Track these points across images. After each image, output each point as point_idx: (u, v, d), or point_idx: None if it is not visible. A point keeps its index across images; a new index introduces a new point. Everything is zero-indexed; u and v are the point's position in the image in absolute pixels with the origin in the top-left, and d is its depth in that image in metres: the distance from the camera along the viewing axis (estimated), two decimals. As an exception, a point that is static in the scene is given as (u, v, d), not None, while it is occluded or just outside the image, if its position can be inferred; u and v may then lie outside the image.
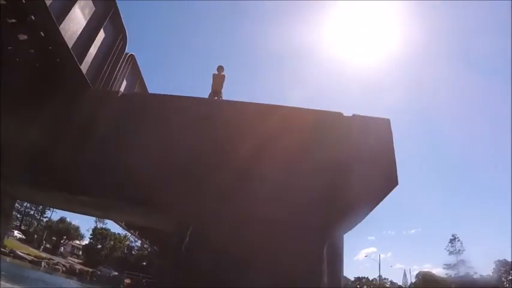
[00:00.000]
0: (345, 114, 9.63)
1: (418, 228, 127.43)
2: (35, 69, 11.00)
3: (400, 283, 78.34)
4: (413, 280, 73.23)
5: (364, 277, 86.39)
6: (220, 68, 12.25)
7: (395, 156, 8.98)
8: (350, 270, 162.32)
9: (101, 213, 18.82)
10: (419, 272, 73.47)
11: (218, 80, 12.04)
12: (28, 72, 11.04)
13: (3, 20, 9.93)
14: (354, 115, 9.59)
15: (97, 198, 10.54)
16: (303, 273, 7.73)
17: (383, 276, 77.05)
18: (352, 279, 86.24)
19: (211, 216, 8.54)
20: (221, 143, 9.37)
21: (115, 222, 23.60)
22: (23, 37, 10.47)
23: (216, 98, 11.72)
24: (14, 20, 9.98)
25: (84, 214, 28.68)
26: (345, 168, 8.71)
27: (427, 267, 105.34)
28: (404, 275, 78.27)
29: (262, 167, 8.87)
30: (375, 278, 74.66)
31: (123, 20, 12.29)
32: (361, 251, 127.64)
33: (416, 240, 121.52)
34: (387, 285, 77.80)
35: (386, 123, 9.42)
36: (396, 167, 8.87)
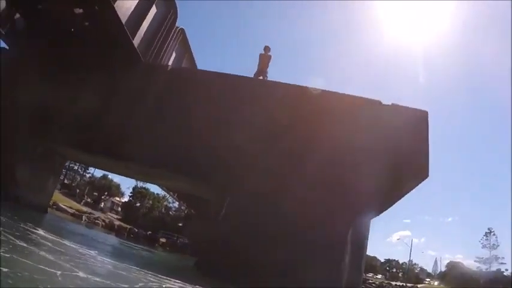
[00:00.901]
0: (383, 103, 9.61)
1: (455, 217, 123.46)
2: (89, 42, 11.64)
3: (429, 270, 77.30)
4: (443, 269, 72.10)
5: (394, 260, 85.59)
6: (266, 48, 12.55)
7: (429, 150, 9.04)
8: (381, 251, 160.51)
9: (143, 177, 19.79)
10: (449, 262, 72.04)
11: (264, 59, 12.36)
12: (83, 44, 11.72)
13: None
14: (392, 104, 9.53)
15: (142, 166, 11.28)
16: (327, 253, 8.13)
17: (413, 261, 76.26)
18: (383, 260, 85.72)
19: (250, 191, 9.04)
20: (269, 124, 9.72)
21: (157, 185, 24.65)
22: (78, 11, 11.19)
23: (261, 77, 12.04)
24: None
25: (127, 177, 30.08)
26: (378, 157, 8.83)
27: (459, 258, 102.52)
28: (435, 263, 76.63)
29: (305, 151, 9.17)
30: (404, 262, 73.63)
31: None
32: (395, 233, 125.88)
33: (452, 229, 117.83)
34: (416, 271, 76.75)
35: (423, 115, 9.29)
36: (429, 161, 8.96)
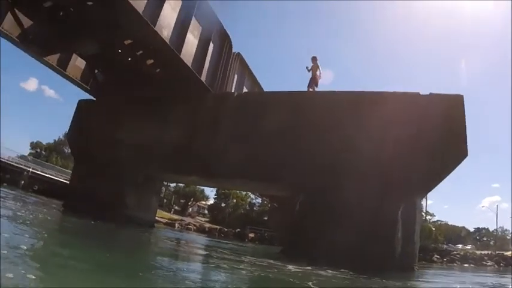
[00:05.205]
0: (421, 94, 10.94)
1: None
2: (165, 84, 14.34)
3: (523, 236, 71.27)
4: (539, 232, 66.74)
5: (484, 228, 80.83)
6: (313, 59, 14.33)
7: (466, 130, 10.23)
8: (471, 220, 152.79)
9: (229, 186, 22.79)
10: (544, 222, 67.17)
11: (313, 68, 14.16)
12: (160, 86, 14.47)
13: (134, 52, 13.45)
14: (430, 94, 10.86)
15: (225, 178, 13.68)
16: (381, 229, 9.86)
17: (504, 228, 72.21)
18: (472, 229, 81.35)
19: (317, 187, 10.93)
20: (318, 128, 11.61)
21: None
22: (149, 61, 14.02)
23: (313, 84, 13.96)
24: (141, 51, 13.52)
25: (215, 187, 33.74)
26: (420, 145, 10.29)
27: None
28: (529, 226, 71.20)
29: (354, 149, 10.80)
30: (495, 229, 69.76)
31: (226, 28, 14.95)
32: (484, 199, 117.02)
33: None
34: (508, 237, 70.82)
35: (459, 99, 10.57)
36: (466, 141, 10.17)
